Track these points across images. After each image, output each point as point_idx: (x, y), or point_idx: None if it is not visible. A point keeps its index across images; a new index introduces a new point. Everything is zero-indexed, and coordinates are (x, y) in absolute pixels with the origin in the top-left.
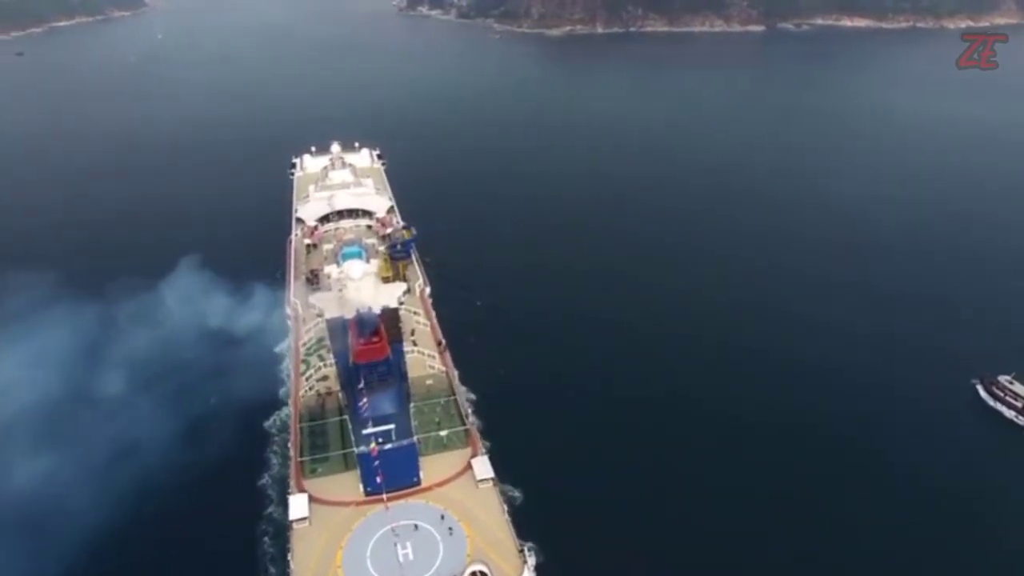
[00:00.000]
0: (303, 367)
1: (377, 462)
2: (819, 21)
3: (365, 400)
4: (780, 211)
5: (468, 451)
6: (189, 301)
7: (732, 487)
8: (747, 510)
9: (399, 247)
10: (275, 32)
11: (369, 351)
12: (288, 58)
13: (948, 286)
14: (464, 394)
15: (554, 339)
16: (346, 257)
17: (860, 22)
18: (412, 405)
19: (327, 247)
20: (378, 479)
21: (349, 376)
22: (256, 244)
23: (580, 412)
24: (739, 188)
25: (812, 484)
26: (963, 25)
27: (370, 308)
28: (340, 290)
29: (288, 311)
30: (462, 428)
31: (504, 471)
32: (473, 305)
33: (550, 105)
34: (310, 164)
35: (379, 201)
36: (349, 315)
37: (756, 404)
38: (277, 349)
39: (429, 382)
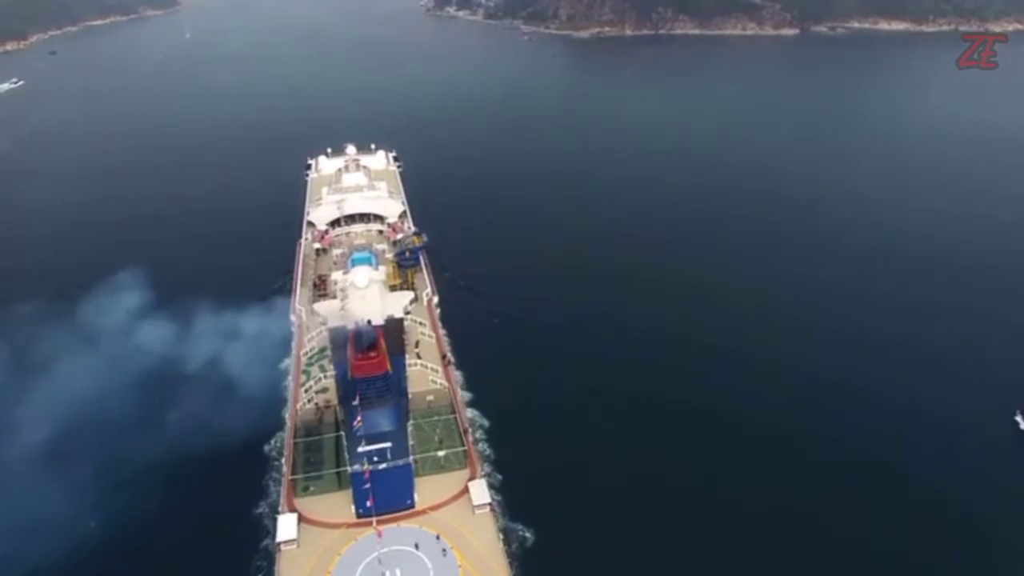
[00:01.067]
0: (303, 377)
1: (368, 485)
2: (855, 25)
3: (359, 419)
4: (814, 219)
5: (466, 473)
6: (186, 312)
7: (759, 516)
8: (779, 540)
9: (407, 254)
10: (301, 31)
11: (366, 366)
12: (312, 58)
13: (994, 304)
14: (474, 416)
15: (576, 355)
16: (355, 263)
17: (898, 25)
18: (411, 422)
19: (337, 252)
20: (368, 503)
21: (347, 390)
22: (268, 249)
23: (602, 442)
24: (771, 195)
25: (837, 503)
26: (1010, 28)
27: (369, 321)
28: (343, 299)
29: (292, 318)
30: (461, 449)
31: (514, 510)
32: (489, 319)
33: (576, 107)
34: (325, 165)
35: (392, 205)
36: (352, 325)
37: (792, 419)
38: (282, 366)
39: (430, 398)
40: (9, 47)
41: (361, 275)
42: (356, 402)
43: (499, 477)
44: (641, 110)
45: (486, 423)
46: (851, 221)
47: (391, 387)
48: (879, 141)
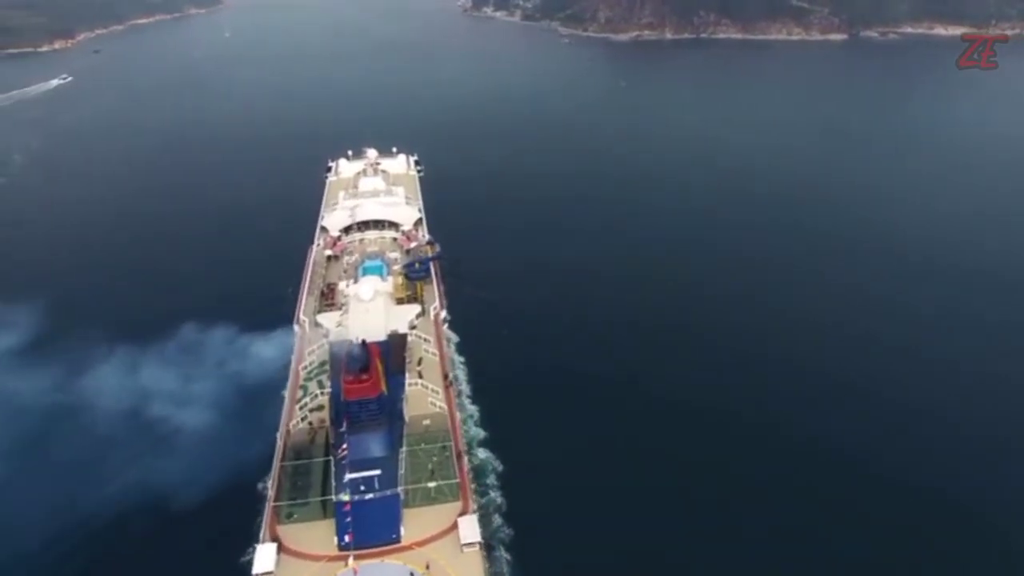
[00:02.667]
0: (300, 393)
1: (349, 518)
2: (908, 30)
3: (344, 446)
4: (836, 222)
5: (458, 506)
6: (189, 320)
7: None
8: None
9: (416, 266)
10: (337, 30)
11: (358, 389)
12: (344, 57)
13: (995, 305)
14: (487, 458)
15: (592, 373)
16: (366, 272)
17: (955, 30)
18: (404, 449)
19: (348, 260)
20: (347, 538)
21: (339, 411)
22: (283, 254)
23: (630, 492)
24: (789, 199)
25: (840, 504)
26: None
27: (363, 341)
28: (343, 312)
29: (295, 328)
30: (454, 481)
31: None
32: (500, 332)
33: (614, 113)
34: (345, 169)
35: (407, 212)
36: (356, 339)
37: (803, 423)
38: (284, 392)
39: (427, 422)
40: (57, 46)
41: (366, 288)
42: (343, 428)
43: (510, 532)
44: (681, 117)
45: (500, 466)
46: (875, 226)
47: (385, 409)
48: (919, 147)
